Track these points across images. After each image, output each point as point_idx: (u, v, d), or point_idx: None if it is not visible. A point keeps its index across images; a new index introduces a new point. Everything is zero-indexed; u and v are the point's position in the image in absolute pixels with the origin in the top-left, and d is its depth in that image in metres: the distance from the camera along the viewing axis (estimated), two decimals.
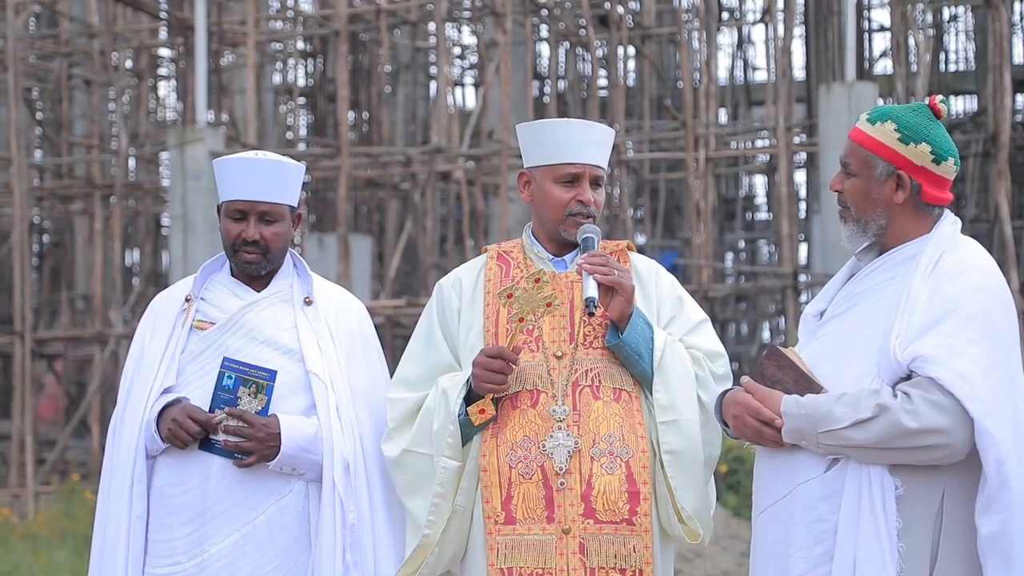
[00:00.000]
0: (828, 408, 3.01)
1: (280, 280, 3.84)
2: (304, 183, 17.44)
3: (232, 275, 3.84)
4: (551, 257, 3.65)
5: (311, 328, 3.78)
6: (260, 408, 3.64)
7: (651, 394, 3.49)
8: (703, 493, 3.50)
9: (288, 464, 3.63)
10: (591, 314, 3.41)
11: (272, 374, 3.66)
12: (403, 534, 3.69)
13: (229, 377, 3.64)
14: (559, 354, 3.51)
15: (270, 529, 3.63)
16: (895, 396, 2.98)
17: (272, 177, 3.74)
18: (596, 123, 3.69)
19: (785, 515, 3.11)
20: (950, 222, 3.20)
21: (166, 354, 3.74)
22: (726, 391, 3.27)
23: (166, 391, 3.69)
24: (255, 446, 3.60)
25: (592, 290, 3.40)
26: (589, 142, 3.60)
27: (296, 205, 3.83)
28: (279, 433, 3.61)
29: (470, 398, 3.49)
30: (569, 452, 3.41)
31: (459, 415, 3.49)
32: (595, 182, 3.61)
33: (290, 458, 3.62)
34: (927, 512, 3.02)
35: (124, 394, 3.78)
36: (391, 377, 3.80)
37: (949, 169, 3.19)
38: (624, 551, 3.41)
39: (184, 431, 3.59)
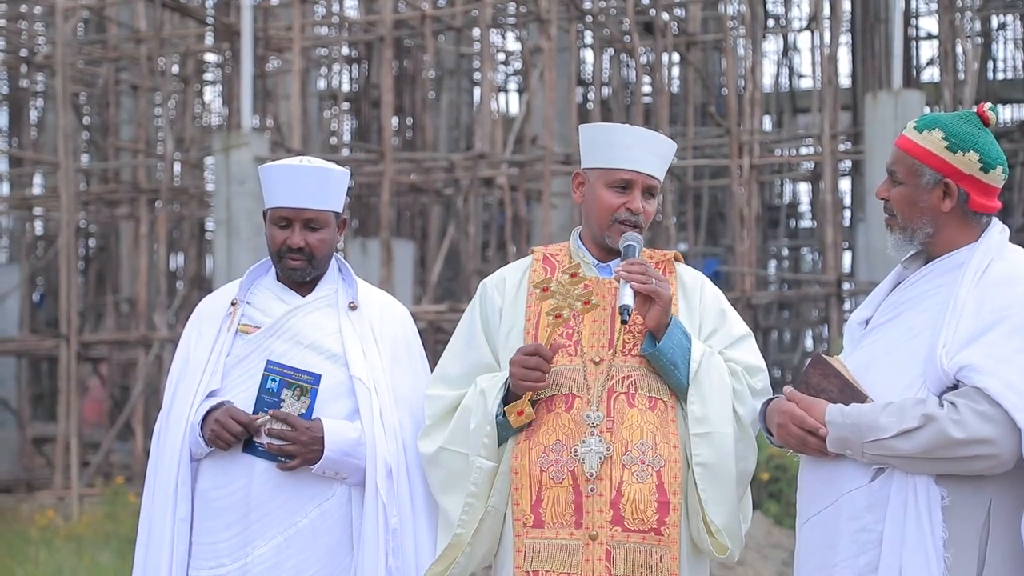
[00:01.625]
0: (873, 417, 2.99)
1: (325, 285, 3.85)
2: (348, 188, 17.54)
3: (278, 280, 3.86)
4: (595, 262, 3.64)
5: (355, 333, 3.79)
6: (304, 411, 3.65)
7: (686, 405, 3.47)
8: (734, 507, 3.47)
9: (331, 468, 3.64)
10: (624, 322, 3.39)
11: (316, 378, 3.67)
12: None
13: (273, 380, 3.65)
14: (597, 359, 3.50)
15: (313, 532, 3.64)
16: (941, 406, 2.95)
17: (317, 184, 3.75)
18: (659, 134, 3.67)
19: (830, 524, 3.09)
20: (998, 230, 3.17)
21: (211, 358, 3.76)
22: (770, 399, 3.25)
23: (211, 395, 3.71)
24: (298, 449, 3.61)
25: (627, 298, 3.38)
26: (649, 151, 3.58)
27: (341, 211, 3.84)
28: (322, 437, 3.62)
29: (508, 399, 3.49)
30: (600, 458, 3.40)
31: (497, 415, 3.48)
32: (648, 192, 3.59)
33: (333, 462, 3.63)
34: (974, 522, 2.99)
35: (169, 397, 3.81)
36: None
37: (997, 178, 3.15)
38: (651, 561, 3.39)
39: (227, 432, 3.61)
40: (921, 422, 2.94)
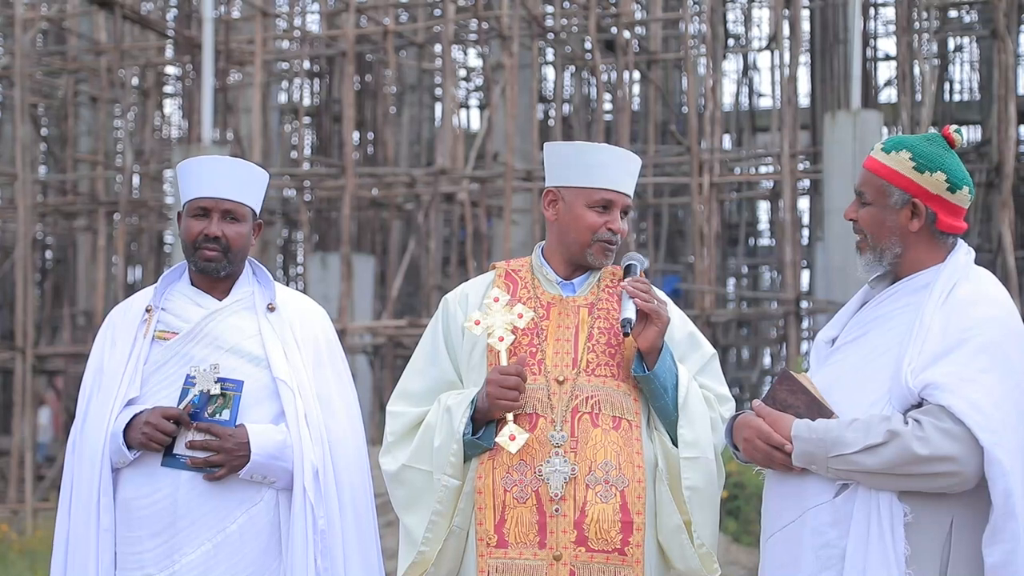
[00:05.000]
0: (839, 433, 3.01)
1: (241, 288, 3.80)
2: (308, 202, 17.50)
3: (192, 284, 3.80)
4: (560, 280, 3.62)
5: (276, 335, 3.74)
6: (228, 421, 3.59)
7: (660, 427, 3.48)
8: (716, 529, 3.52)
9: (259, 472, 3.60)
10: (626, 334, 3.41)
11: (239, 384, 3.62)
12: (371, 541, 3.73)
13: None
14: (561, 379, 3.48)
15: (241, 538, 3.60)
16: (906, 423, 2.98)
17: (237, 176, 3.73)
18: (630, 152, 3.67)
19: (794, 540, 3.11)
20: (964, 252, 3.21)
21: (128, 365, 3.69)
22: (737, 415, 3.26)
23: (130, 403, 3.65)
24: (225, 458, 3.56)
25: (630, 311, 3.40)
26: (625, 171, 3.58)
27: (259, 212, 3.81)
28: (248, 443, 3.58)
29: (475, 417, 3.47)
30: (565, 478, 3.39)
31: (464, 434, 3.46)
32: (624, 211, 3.59)
33: (260, 466, 3.59)
34: (935, 539, 3.01)
35: (83, 407, 3.73)
36: (355, 384, 3.81)
37: (964, 198, 3.19)
38: None
39: (159, 432, 3.54)
40: (886, 438, 2.96)
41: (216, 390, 3.58)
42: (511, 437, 3.41)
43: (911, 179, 3.16)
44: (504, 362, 3.46)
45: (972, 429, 2.93)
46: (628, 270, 3.54)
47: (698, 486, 3.44)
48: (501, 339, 3.46)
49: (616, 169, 3.56)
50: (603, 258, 3.57)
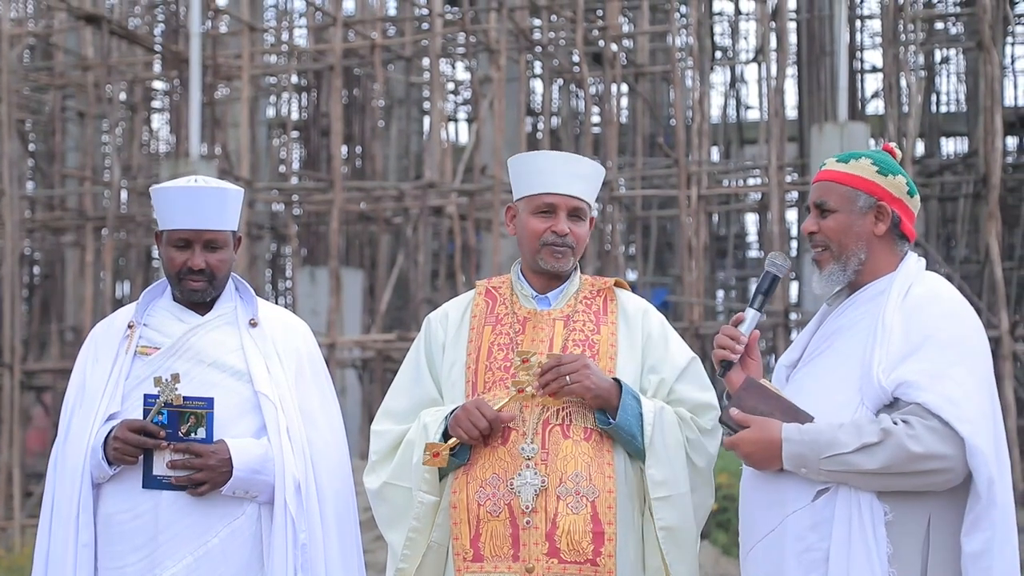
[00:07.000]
0: (832, 434, 3.05)
1: (223, 303, 3.81)
2: (296, 216, 17.48)
3: (175, 300, 3.80)
4: (535, 295, 3.65)
5: (258, 349, 3.75)
6: (202, 438, 3.58)
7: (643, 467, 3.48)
8: (695, 563, 3.51)
9: (241, 487, 3.60)
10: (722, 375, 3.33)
11: (209, 401, 3.60)
12: (353, 554, 3.74)
13: (160, 413, 3.57)
14: (532, 393, 3.50)
15: (223, 552, 3.60)
16: (895, 423, 3.02)
17: (215, 204, 3.71)
18: (579, 156, 3.69)
19: (776, 548, 3.13)
20: (914, 259, 3.31)
21: (110, 381, 3.69)
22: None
23: (111, 418, 3.65)
24: (208, 474, 3.56)
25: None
26: (567, 173, 3.59)
27: (237, 229, 3.81)
28: (230, 458, 3.58)
29: (447, 434, 3.49)
30: (536, 491, 3.41)
31: None
32: (574, 214, 3.59)
33: (243, 481, 3.60)
34: (915, 537, 3.06)
35: (65, 423, 3.73)
36: (344, 398, 3.78)
37: (917, 204, 3.35)
38: None
39: (129, 444, 3.54)
40: (881, 436, 3.01)
41: (179, 400, 3.57)
42: (434, 454, 3.42)
43: (876, 183, 3.27)
44: (498, 405, 3.45)
45: (950, 422, 2.99)
46: (768, 281, 3.39)
47: (672, 525, 3.45)
48: (521, 391, 3.46)
49: (556, 173, 3.57)
50: (555, 262, 3.58)
